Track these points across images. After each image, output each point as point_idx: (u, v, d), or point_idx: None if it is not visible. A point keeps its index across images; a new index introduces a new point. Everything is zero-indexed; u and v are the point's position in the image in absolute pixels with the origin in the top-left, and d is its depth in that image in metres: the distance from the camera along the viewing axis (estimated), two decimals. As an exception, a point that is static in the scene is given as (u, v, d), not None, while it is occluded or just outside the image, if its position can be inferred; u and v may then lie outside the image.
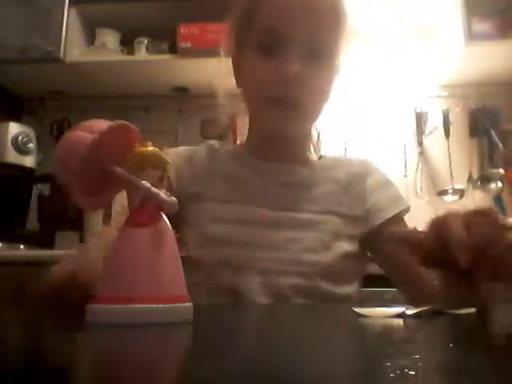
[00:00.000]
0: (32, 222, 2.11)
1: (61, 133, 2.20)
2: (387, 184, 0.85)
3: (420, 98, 2.21)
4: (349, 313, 0.46)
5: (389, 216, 0.80)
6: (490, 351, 0.28)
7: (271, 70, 0.73)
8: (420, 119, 2.19)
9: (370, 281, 0.86)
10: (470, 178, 2.12)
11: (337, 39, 0.76)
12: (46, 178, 2.09)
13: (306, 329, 0.40)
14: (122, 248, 0.40)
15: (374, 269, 0.84)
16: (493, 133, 2.10)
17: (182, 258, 0.43)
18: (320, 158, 0.89)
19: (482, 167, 2.14)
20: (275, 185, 0.81)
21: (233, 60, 0.83)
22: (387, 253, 0.79)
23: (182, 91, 2.29)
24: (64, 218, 2.03)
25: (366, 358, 0.25)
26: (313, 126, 0.86)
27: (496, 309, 0.48)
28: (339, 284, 0.75)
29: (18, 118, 2.29)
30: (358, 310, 0.46)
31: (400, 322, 0.43)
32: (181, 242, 0.83)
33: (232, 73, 0.83)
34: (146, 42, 2.14)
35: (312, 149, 0.89)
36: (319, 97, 0.77)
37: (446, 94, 2.21)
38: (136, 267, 0.39)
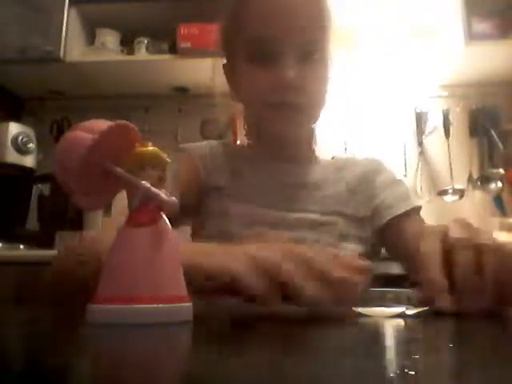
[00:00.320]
0: (32, 222, 2.11)
1: (61, 133, 2.20)
2: (397, 182, 0.86)
3: (420, 98, 2.21)
4: (349, 312, 0.46)
5: (399, 212, 0.80)
6: (490, 351, 0.28)
7: (267, 79, 0.72)
8: (420, 119, 2.19)
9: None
10: (470, 178, 2.12)
11: (326, 36, 0.76)
12: (46, 178, 2.09)
13: (306, 328, 0.40)
14: (122, 248, 0.40)
15: (375, 268, 0.84)
16: (493, 133, 2.10)
17: None
18: (332, 158, 0.89)
19: (482, 167, 2.14)
20: (281, 185, 0.81)
21: (224, 69, 0.83)
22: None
23: (181, 91, 2.29)
24: (64, 217, 2.03)
25: (365, 358, 0.25)
26: (315, 126, 0.86)
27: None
28: None
29: (17, 118, 2.29)
30: (358, 309, 0.46)
31: (400, 321, 0.43)
32: (194, 233, 0.84)
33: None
34: (146, 41, 2.15)
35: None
36: (318, 98, 0.77)
37: (445, 94, 2.21)
38: (136, 267, 0.39)
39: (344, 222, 0.79)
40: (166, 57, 2.09)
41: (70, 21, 2.08)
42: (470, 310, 0.44)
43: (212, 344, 0.31)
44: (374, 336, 0.36)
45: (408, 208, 0.80)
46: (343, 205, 0.80)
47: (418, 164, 2.17)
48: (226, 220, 0.77)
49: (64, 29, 2.05)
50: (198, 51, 1.96)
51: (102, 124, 0.40)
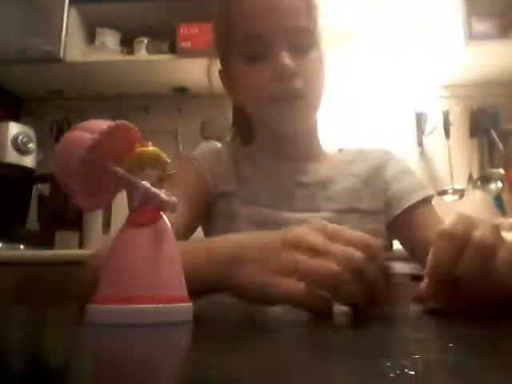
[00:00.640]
0: (32, 222, 2.11)
1: (61, 133, 2.20)
2: (407, 172, 0.86)
3: (420, 99, 2.21)
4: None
5: (409, 204, 0.80)
6: (490, 351, 0.28)
7: (265, 72, 0.74)
8: (420, 119, 2.19)
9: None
10: (470, 178, 2.12)
11: (315, 24, 0.79)
12: (45, 178, 2.09)
13: (306, 328, 0.40)
14: (122, 248, 0.40)
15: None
16: (493, 133, 2.10)
17: None
18: (340, 150, 0.89)
19: (481, 167, 2.14)
20: (291, 186, 0.81)
21: (220, 74, 0.85)
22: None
23: (181, 91, 2.29)
24: (64, 217, 2.03)
25: (365, 358, 0.25)
26: (317, 118, 0.86)
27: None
28: None
29: (17, 118, 2.29)
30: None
31: (400, 321, 0.43)
32: (206, 236, 0.84)
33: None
34: (145, 41, 2.15)
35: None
36: (317, 84, 0.78)
37: (446, 94, 2.21)
38: (136, 267, 0.39)
39: (359, 217, 0.78)
40: (166, 57, 2.09)
41: (69, 21, 2.08)
42: (469, 311, 0.44)
43: (212, 344, 0.31)
44: (374, 336, 0.36)
45: (419, 199, 0.81)
46: (357, 200, 0.80)
47: (418, 164, 2.17)
48: (235, 222, 0.77)
49: (64, 29, 2.05)
50: (198, 51, 1.96)
51: (102, 124, 0.40)
